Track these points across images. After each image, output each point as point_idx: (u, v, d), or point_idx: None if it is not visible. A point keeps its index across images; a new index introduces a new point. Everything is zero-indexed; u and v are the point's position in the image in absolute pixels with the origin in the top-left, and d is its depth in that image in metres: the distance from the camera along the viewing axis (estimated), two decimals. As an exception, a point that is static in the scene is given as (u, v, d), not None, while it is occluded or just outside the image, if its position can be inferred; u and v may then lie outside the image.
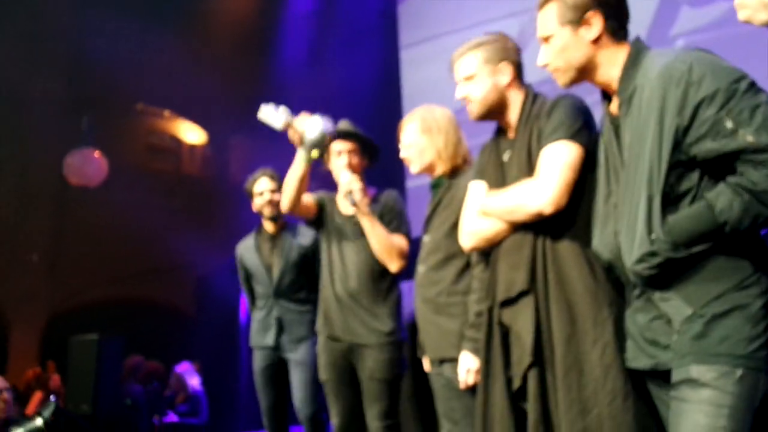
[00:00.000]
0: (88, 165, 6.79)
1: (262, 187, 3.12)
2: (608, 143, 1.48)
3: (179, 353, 6.46)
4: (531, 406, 1.63)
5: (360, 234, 2.52)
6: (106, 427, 3.97)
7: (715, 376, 1.23)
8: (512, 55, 1.84)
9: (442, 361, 2.11)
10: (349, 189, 2.44)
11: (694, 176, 1.29)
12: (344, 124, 2.62)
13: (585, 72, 1.47)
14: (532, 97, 1.81)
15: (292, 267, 3.10)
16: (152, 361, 6.31)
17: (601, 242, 1.49)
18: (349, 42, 7.20)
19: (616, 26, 1.45)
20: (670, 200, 1.29)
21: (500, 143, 1.86)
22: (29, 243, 7.47)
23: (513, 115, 1.81)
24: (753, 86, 1.24)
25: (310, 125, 2.42)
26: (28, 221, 7.48)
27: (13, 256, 7.32)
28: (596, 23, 1.43)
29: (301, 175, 2.49)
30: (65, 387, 4.41)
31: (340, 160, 2.56)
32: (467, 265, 2.06)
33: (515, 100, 1.81)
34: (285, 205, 2.61)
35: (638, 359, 1.45)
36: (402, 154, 2.28)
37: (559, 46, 1.47)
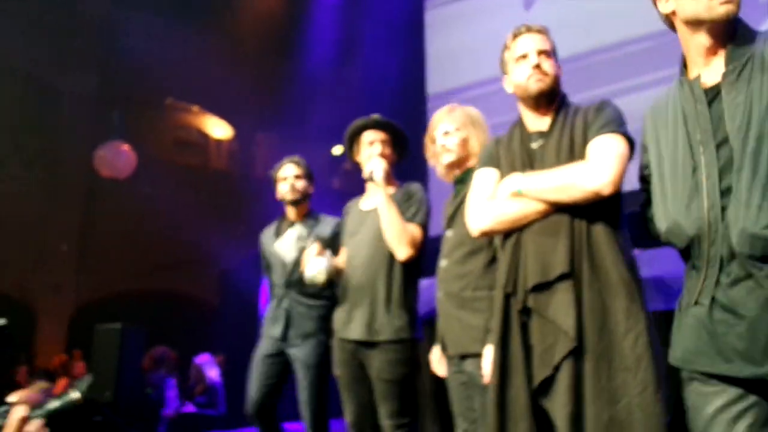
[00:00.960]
0: (118, 157, 6.92)
1: (286, 172, 3.05)
2: (691, 115, 1.41)
3: (201, 344, 6.54)
4: (563, 398, 1.55)
5: (374, 230, 2.46)
6: (127, 414, 4.02)
7: None
8: None
9: (463, 357, 2.06)
10: (371, 168, 2.43)
11: None
12: (378, 116, 2.60)
13: (699, 22, 1.39)
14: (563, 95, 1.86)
15: None
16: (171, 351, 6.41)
17: (685, 217, 1.38)
18: (375, 42, 7.20)
19: None
20: None
21: (524, 134, 1.85)
22: (59, 234, 7.65)
23: (552, 105, 1.82)
24: None
25: (311, 265, 2.51)
26: (58, 213, 7.66)
27: (43, 247, 7.51)
28: None
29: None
30: (89, 374, 4.49)
31: (373, 149, 2.53)
32: (493, 259, 2.01)
33: (558, 92, 1.85)
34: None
35: (716, 364, 1.31)
36: (440, 141, 2.25)
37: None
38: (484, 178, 1.86)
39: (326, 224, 3.03)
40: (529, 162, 1.78)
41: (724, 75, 1.36)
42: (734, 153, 1.30)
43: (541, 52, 1.81)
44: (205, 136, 8.80)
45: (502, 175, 1.81)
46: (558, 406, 1.57)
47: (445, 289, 2.14)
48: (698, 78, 1.42)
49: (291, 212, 3.10)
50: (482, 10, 6.15)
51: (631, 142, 1.68)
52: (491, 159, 1.87)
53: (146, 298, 7.77)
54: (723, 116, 1.34)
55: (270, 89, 7.86)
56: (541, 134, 1.80)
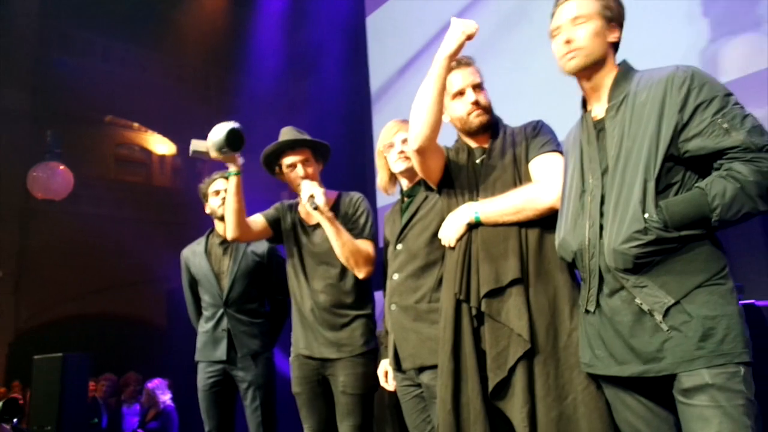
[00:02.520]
0: (53, 178, 6.68)
1: (218, 186, 2.94)
2: (585, 145, 1.60)
3: (151, 368, 6.37)
4: (521, 399, 1.63)
5: (326, 243, 2.39)
6: (70, 448, 3.88)
7: (727, 377, 1.32)
8: None
9: (421, 369, 2.04)
10: (311, 194, 2.32)
11: (681, 171, 1.42)
12: (288, 133, 2.48)
13: (595, 66, 1.58)
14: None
15: (244, 275, 2.88)
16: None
17: (571, 235, 1.56)
18: (318, 52, 7.23)
19: (617, 46, 1.61)
20: (659, 189, 1.41)
21: (469, 150, 1.97)
22: (-6, 258, 7.32)
23: (489, 129, 1.97)
24: (738, 102, 1.43)
25: (214, 132, 2.34)
26: (-7, 236, 7.33)
27: (-23, 273, 7.18)
28: (617, 33, 1.59)
29: (231, 190, 2.40)
30: (30, 407, 4.32)
31: (295, 172, 2.45)
32: None
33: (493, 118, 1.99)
34: (230, 232, 2.44)
35: (609, 366, 1.48)
36: (399, 148, 2.25)
37: (594, 30, 1.56)
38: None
39: (260, 243, 2.95)
40: (474, 175, 1.91)
41: (607, 110, 1.56)
42: (608, 179, 1.51)
43: (475, 86, 1.93)
44: (147, 153, 8.62)
45: (452, 185, 1.94)
46: (516, 407, 1.64)
47: (399, 302, 2.13)
48: (590, 112, 1.63)
49: (221, 228, 2.97)
50: (421, 19, 6.27)
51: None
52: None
53: (90, 321, 7.51)
54: (606, 147, 1.54)
55: (214, 104, 7.78)
56: (484, 150, 1.93)
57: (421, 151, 1.86)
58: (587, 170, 1.57)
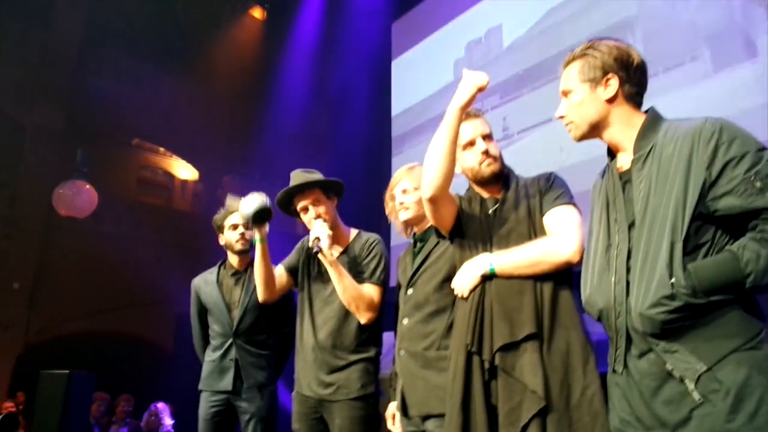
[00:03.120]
0: (78, 197, 6.83)
1: (235, 220, 2.96)
2: (612, 197, 1.53)
3: (152, 391, 6.36)
4: None
5: (332, 284, 2.38)
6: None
7: None
8: None
9: (426, 417, 2.02)
10: (316, 236, 2.34)
11: (711, 231, 1.33)
12: (297, 177, 2.50)
13: (596, 128, 1.55)
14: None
15: (255, 306, 2.86)
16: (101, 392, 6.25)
17: (597, 291, 1.48)
18: (344, 93, 7.37)
19: (633, 92, 1.52)
20: (687, 251, 1.32)
21: (481, 199, 1.97)
22: (12, 270, 7.45)
23: (500, 180, 1.98)
24: None
25: (245, 203, 2.43)
26: (14, 249, 7.48)
27: (-5, 283, 7.31)
28: (613, 84, 1.51)
29: (259, 257, 2.46)
30: (32, 421, 4.34)
31: (308, 214, 2.47)
32: None
33: (504, 168, 2.00)
34: (261, 295, 2.51)
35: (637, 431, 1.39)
36: (399, 199, 2.28)
37: (577, 101, 1.54)
38: None
39: None
40: (487, 226, 1.90)
41: (633, 162, 1.49)
42: (635, 235, 1.43)
43: (485, 137, 1.96)
44: (170, 177, 8.79)
45: (465, 234, 1.93)
46: None
47: (408, 348, 2.11)
48: (616, 163, 1.56)
49: (235, 260, 3.01)
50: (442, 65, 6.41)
51: (579, 212, 1.83)
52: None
53: (98, 339, 7.55)
54: (633, 200, 1.46)
55: (238, 133, 7.95)
56: (496, 201, 1.93)
57: (433, 200, 1.89)
58: (613, 224, 1.50)
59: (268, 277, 2.51)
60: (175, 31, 7.91)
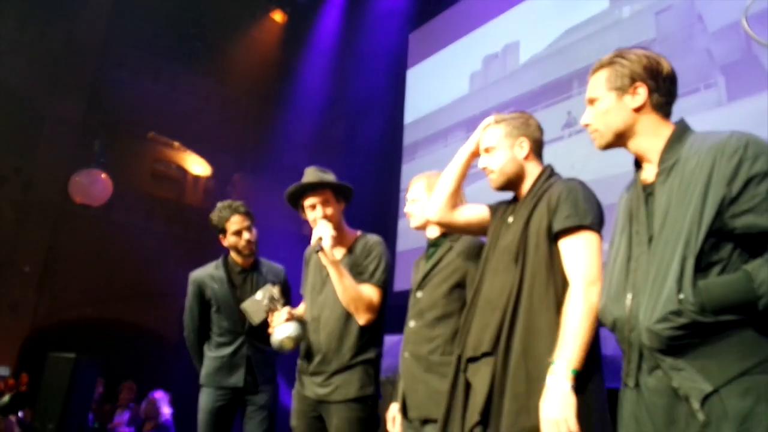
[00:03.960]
0: (94, 185, 6.93)
1: (237, 225, 2.96)
2: (635, 209, 1.49)
3: (156, 379, 6.42)
4: None
5: (333, 286, 2.39)
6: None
7: None
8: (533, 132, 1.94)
9: (425, 421, 2.04)
10: (319, 236, 2.35)
11: (727, 248, 1.28)
12: (311, 174, 2.50)
13: (622, 137, 1.51)
14: (548, 173, 1.91)
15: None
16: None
17: (613, 303, 1.45)
18: (358, 98, 7.45)
19: (662, 102, 1.48)
20: (700, 267, 1.28)
21: (508, 205, 1.97)
22: (24, 254, 7.56)
23: (522, 187, 1.92)
24: None
25: (280, 330, 2.45)
26: (26, 233, 7.59)
27: (6, 264, 7.41)
28: (641, 93, 1.47)
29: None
30: (36, 402, 4.43)
31: (315, 212, 2.47)
32: None
33: (522, 176, 1.92)
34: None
35: None
36: (405, 209, 2.34)
37: (603, 108, 1.51)
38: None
39: (274, 274, 3.02)
40: (498, 234, 1.90)
41: (657, 174, 1.45)
42: (651, 249, 1.39)
43: (486, 150, 1.94)
44: (183, 172, 8.87)
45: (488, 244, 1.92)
46: None
47: (412, 351, 2.12)
48: (641, 175, 1.52)
49: (240, 259, 3.01)
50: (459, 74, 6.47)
51: (599, 225, 1.74)
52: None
53: (104, 326, 7.63)
54: (654, 213, 1.42)
55: (251, 134, 8.04)
56: (513, 211, 1.90)
57: (439, 224, 2.05)
58: (635, 236, 1.45)
59: None
60: (197, 30, 8.01)
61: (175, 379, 6.61)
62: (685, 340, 1.26)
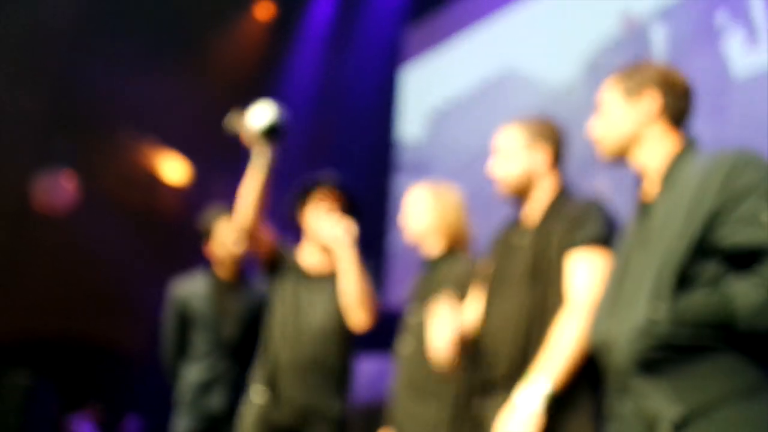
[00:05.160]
0: (56, 189, 6.67)
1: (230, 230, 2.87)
2: (634, 228, 1.47)
3: (124, 400, 6.17)
4: None
5: (323, 293, 2.35)
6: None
7: None
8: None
9: None
10: (346, 229, 2.30)
11: (708, 265, 1.24)
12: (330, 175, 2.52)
13: (627, 146, 1.48)
14: (565, 192, 1.84)
15: (249, 321, 2.84)
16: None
17: (597, 324, 1.42)
18: (348, 97, 7.37)
19: (673, 113, 1.45)
20: (678, 285, 1.24)
21: (517, 224, 1.87)
22: (-23, 263, 7.09)
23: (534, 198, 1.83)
24: None
25: (255, 114, 2.19)
26: (-20, 240, 7.12)
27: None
28: (651, 101, 1.44)
29: (259, 181, 2.26)
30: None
31: (325, 207, 2.44)
32: None
33: (545, 187, 1.83)
34: (245, 220, 2.32)
35: None
36: (401, 216, 2.33)
37: (611, 113, 1.49)
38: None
39: (257, 289, 2.92)
40: (508, 259, 1.84)
41: (658, 192, 1.42)
42: (640, 261, 1.37)
43: (499, 154, 1.87)
44: (155, 177, 8.46)
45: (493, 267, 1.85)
46: None
47: (409, 376, 2.11)
48: (641, 193, 1.49)
49: (225, 271, 2.94)
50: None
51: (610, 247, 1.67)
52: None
53: (66, 342, 7.27)
54: (649, 231, 1.40)
55: (233, 136, 7.68)
56: (526, 231, 1.80)
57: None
58: (630, 253, 1.43)
59: (259, 206, 2.30)
60: (174, 22, 7.64)
61: (145, 402, 6.31)
62: (656, 361, 1.24)
